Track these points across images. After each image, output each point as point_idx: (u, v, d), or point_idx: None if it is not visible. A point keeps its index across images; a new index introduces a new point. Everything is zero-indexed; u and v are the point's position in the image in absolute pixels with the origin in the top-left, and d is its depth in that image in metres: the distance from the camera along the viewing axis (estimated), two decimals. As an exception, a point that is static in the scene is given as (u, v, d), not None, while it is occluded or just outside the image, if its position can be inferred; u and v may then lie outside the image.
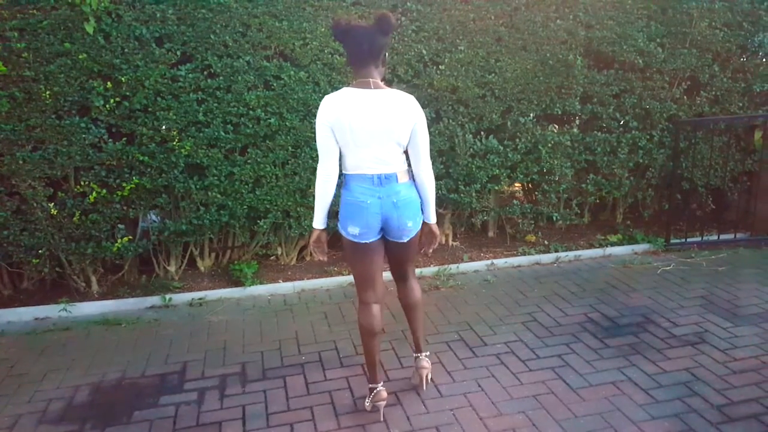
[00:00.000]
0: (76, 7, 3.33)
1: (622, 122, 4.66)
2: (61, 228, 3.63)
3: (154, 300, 3.79)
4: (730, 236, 4.76)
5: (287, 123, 3.86)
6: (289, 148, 3.92)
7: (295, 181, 3.98)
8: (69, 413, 2.63)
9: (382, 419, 2.51)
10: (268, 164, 3.89)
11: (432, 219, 2.51)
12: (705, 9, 4.48)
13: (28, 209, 3.57)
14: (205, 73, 3.70)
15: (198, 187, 3.80)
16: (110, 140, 3.60)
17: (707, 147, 4.79)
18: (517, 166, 4.48)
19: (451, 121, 4.23)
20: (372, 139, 2.27)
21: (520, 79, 4.31)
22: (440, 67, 4.12)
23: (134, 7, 3.51)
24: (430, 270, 4.21)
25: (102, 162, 3.61)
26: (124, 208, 3.72)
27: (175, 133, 3.67)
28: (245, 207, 3.92)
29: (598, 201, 4.96)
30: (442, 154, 4.29)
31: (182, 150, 3.69)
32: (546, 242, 4.70)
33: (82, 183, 3.61)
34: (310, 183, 4.02)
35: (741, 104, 4.77)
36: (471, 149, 4.30)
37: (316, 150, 3.90)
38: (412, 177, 2.43)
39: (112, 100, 3.54)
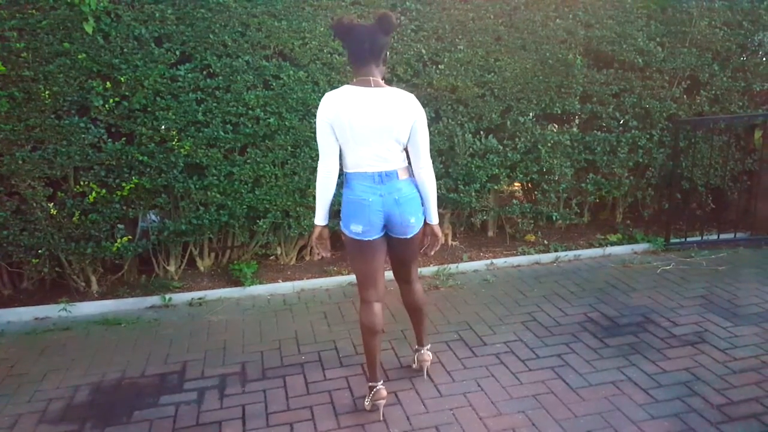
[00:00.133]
0: (75, 6, 3.33)
1: (621, 121, 4.66)
2: (60, 228, 3.63)
3: (154, 300, 3.79)
4: (730, 236, 4.76)
5: (286, 122, 3.85)
6: (289, 147, 3.92)
7: (295, 180, 3.98)
8: (69, 413, 2.63)
9: (381, 418, 2.51)
10: (268, 164, 3.89)
11: (434, 220, 2.51)
12: (705, 8, 4.48)
13: (27, 209, 3.57)
14: (205, 72, 3.70)
15: (197, 186, 3.80)
16: (110, 140, 3.60)
17: (707, 146, 4.78)
18: (517, 165, 4.48)
19: (450, 120, 4.23)
20: (372, 136, 2.28)
21: (520, 79, 4.30)
22: (439, 66, 4.11)
23: (133, 6, 3.51)
24: (429, 270, 4.21)
25: (101, 162, 3.61)
26: (124, 207, 3.72)
27: (174, 132, 3.67)
28: (245, 207, 3.92)
29: (597, 200, 4.96)
30: (441, 154, 4.29)
31: (182, 150, 3.69)
32: (545, 242, 4.70)
33: (82, 183, 3.61)
34: (310, 183, 4.02)
35: (741, 103, 4.77)
36: (470, 149, 4.30)
37: (315, 150, 3.95)
38: (412, 174, 2.44)
39: (111, 100, 3.53)
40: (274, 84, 3.81)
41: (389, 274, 2.79)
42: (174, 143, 3.68)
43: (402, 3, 3.98)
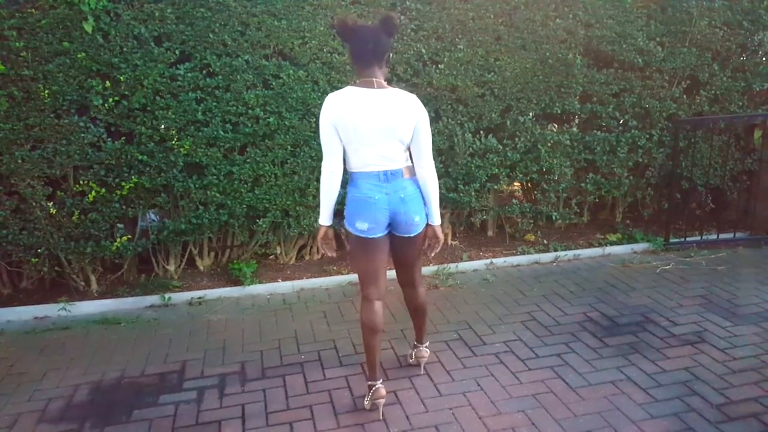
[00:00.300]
0: (75, 5, 3.32)
1: (621, 121, 4.66)
2: (60, 227, 3.62)
3: (154, 299, 3.79)
4: (729, 235, 4.76)
5: (286, 122, 3.85)
6: (288, 147, 3.92)
7: (294, 180, 3.98)
8: (68, 412, 2.63)
9: (381, 417, 2.51)
10: (267, 163, 3.89)
11: (436, 221, 2.52)
12: (705, 8, 4.48)
13: (27, 208, 3.56)
14: (204, 72, 3.70)
15: (197, 186, 3.80)
16: (109, 139, 3.60)
17: (707, 146, 4.79)
18: (517, 165, 4.48)
19: (450, 120, 4.23)
20: (376, 137, 2.30)
21: (520, 78, 4.30)
22: (439, 66, 4.11)
23: (133, 5, 3.50)
24: (429, 269, 4.21)
25: (101, 161, 3.60)
26: (123, 207, 3.71)
27: (174, 132, 3.67)
28: (244, 206, 3.92)
29: (597, 200, 4.96)
30: (441, 154, 4.29)
31: (181, 149, 3.69)
32: (545, 241, 4.71)
33: (81, 182, 3.61)
34: (309, 182, 4.02)
35: (741, 103, 4.77)
36: (470, 148, 4.30)
37: (315, 149, 3.95)
38: (415, 174, 2.46)
39: (110, 99, 3.53)
40: (273, 83, 3.80)
41: (391, 273, 2.79)
42: (173, 142, 3.67)
43: (402, 2, 3.98)
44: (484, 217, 4.68)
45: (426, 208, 2.49)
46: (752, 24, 4.63)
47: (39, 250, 3.63)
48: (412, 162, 2.45)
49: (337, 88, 3.86)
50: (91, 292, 3.87)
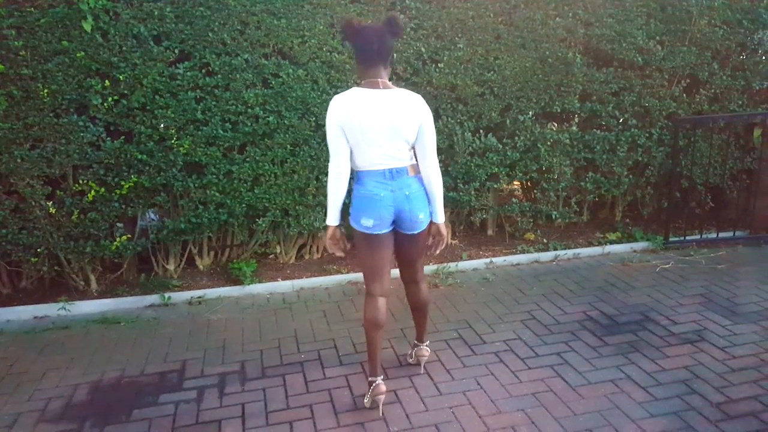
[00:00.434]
0: (74, 4, 3.32)
1: (621, 120, 4.66)
2: (59, 226, 3.62)
3: (153, 298, 3.79)
4: (729, 234, 4.76)
5: (286, 121, 3.85)
6: (288, 146, 3.92)
7: (294, 179, 3.98)
8: (68, 412, 2.63)
9: (380, 413, 2.52)
10: (267, 162, 3.89)
11: (440, 218, 2.56)
12: (704, 7, 4.48)
13: (26, 208, 3.56)
14: (204, 71, 3.69)
15: (197, 185, 3.79)
16: (108, 139, 3.59)
17: (706, 145, 4.78)
18: (516, 164, 4.48)
19: (450, 119, 4.22)
20: (382, 137, 2.33)
21: (519, 77, 4.30)
22: (439, 65, 4.11)
23: (132, 4, 3.50)
24: (429, 268, 4.21)
25: (100, 160, 3.60)
26: (123, 206, 3.71)
27: (173, 131, 3.67)
28: (244, 205, 3.92)
29: (597, 199, 4.96)
30: (440, 153, 4.28)
31: (181, 148, 3.69)
32: (545, 240, 4.71)
33: (81, 181, 3.61)
34: (309, 181, 4.02)
35: (740, 102, 4.77)
36: (470, 147, 4.30)
37: (314, 148, 3.95)
38: (419, 172, 2.50)
39: (110, 99, 3.53)
40: (273, 82, 3.80)
41: (395, 272, 2.82)
42: (173, 142, 3.67)
43: (402, 1, 3.97)
44: (484, 216, 4.68)
45: (430, 206, 2.51)
46: (752, 23, 4.63)
47: (38, 250, 3.63)
48: (416, 160, 2.48)
49: (336, 87, 3.92)
50: (91, 291, 3.87)
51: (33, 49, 3.36)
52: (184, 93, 3.64)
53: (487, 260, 4.37)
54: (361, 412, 2.55)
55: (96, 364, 3.03)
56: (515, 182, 5.08)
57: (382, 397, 2.51)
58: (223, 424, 2.50)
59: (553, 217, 4.73)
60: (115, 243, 3.71)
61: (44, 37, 3.36)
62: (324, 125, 3.90)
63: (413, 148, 2.46)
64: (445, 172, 4.33)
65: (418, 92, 2.52)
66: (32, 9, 3.32)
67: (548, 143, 4.45)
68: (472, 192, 4.37)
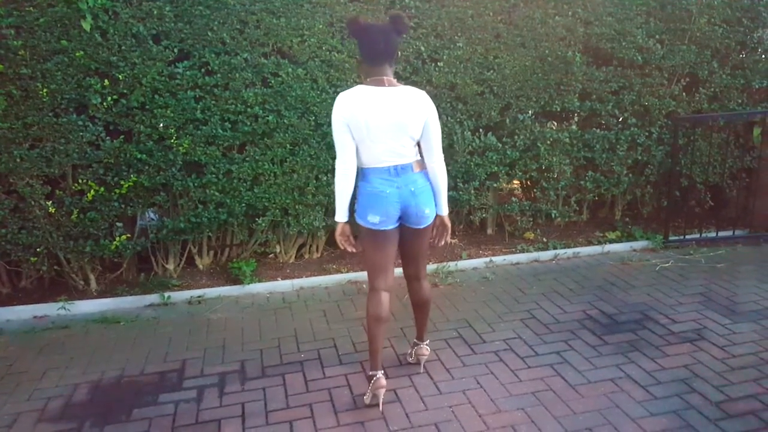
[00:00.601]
0: (73, 4, 3.31)
1: (620, 119, 4.66)
2: (59, 226, 3.62)
3: (153, 298, 3.79)
4: (728, 233, 4.76)
5: (285, 120, 3.85)
6: (288, 145, 3.91)
7: (294, 178, 3.97)
8: (68, 411, 2.63)
9: (380, 408, 2.53)
10: (267, 162, 3.89)
11: (445, 211, 2.60)
12: (704, 5, 4.47)
13: (25, 207, 3.56)
14: (203, 70, 3.69)
15: (196, 184, 3.79)
16: (108, 138, 3.59)
17: (706, 144, 4.78)
18: (516, 163, 4.48)
19: (449, 118, 4.22)
20: (387, 134, 2.36)
21: (519, 76, 4.30)
22: (439, 63, 4.11)
23: (131, 4, 3.49)
24: (429, 267, 4.20)
25: (100, 160, 3.60)
26: (122, 206, 3.71)
27: (172, 130, 3.67)
28: (243, 205, 3.92)
29: (596, 198, 4.96)
30: (440, 152, 4.28)
31: (180, 148, 3.68)
32: (544, 239, 4.71)
33: (80, 181, 3.60)
34: (309, 181, 4.01)
35: (740, 101, 4.77)
36: (469, 146, 4.30)
37: (314, 147, 3.95)
38: (425, 167, 2.53)
39: (109, 98, 3.52)
40: (272, 81, 3.80)
41: (398, 271, 2.84)
42: (172, 141, 3.67)
43: (401, 0, 3.97)
44: (484, 215, 4.68)
45: (435, 199, 2.55)
46: (751, 21, 4.63)
47: (38, 249, 3.62)
48: (421, 156, 2.51)
49: (336, 86, 3.91)
50: (91, 291, 3.87)
51: (32, 48, 3.36)
52: (184, 92, 3.64)
53: (487, 259, 4.37)
54: (361, 412, 2.55)
55: (96, 364, 3.03)
56: (515, 181, 5.08)
57: (382, 391, 2.53)
58: (223, 424, 2.50)
59: (553, 216, 4.73)
60: (114, 242, 3.71)
61: (43, 36, 3.36)
62: (323, 124, 3.96)
63: (418, 144, 2.49)
64: (444, 171, 4.33)
65: (418, 91, 2.53)
66: (31, 8, 3.31)
67: (548, 142, 4.45)
68: (472, 191, 4.37)
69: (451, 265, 4.26)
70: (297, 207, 4.04)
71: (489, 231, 4.92)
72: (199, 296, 3.84)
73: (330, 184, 4.05)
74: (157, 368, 2.98)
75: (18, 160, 3.45)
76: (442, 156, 2.52)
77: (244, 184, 3.89)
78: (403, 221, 2.53)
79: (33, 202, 3.54)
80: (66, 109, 3.50)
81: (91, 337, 3.35)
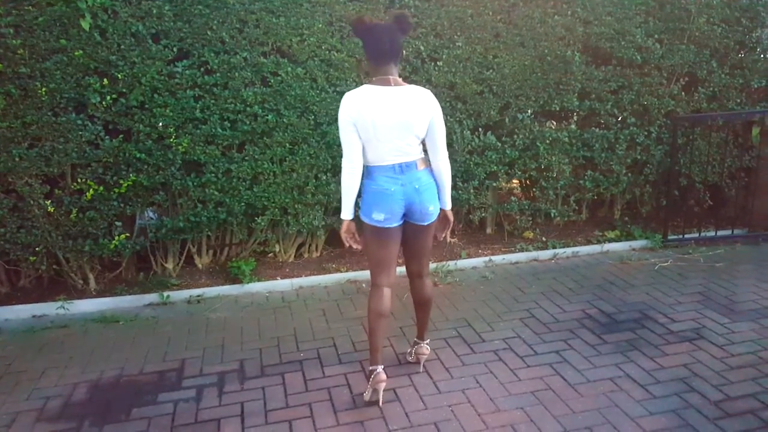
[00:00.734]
0: (72, 3, 3.30)
1: (619, 118, 4.66)
2: (58, 225, 3.62)
3: (152, 297, 3.79)
4: (727, 232, 4.77)
5: (285, 120, 3.85)
6: (287, 144, 3.91)
7: (293, 178, 3.97)
8: (67, 411, 2.63)
9: (380, 404, 2.53)
10: (266, 161, 3.89)
11: (448, 205, 2.65)
12: (703, 5, 4.48)
13: (24, 207, 3.56)
14: (202, 69, 3.69)
15: (195, 184, 3.79)
16: (107, 137, 3.59)
17: (705, 143, 4.79)
18: (515, 162, 4.48)
19: (449, 117, 4.22)
20: (393, 133, 2.39)
21: (518, 76, 4.30)
22: (438, 63, 4.11)
23: (130, 3, 3.49)
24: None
25: (99, 159, 3.59)
26: (122, 205, 3.71)
27: (172, 130, 3.66)
28: (243, 204, 3.92)
29: (595, 197, 4.97)
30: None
31: (179, 147, 3.68)
32: (544, 239, 4.71)
33: (79, 180, 3.60)
34: (308, 180, 4.01)
35: (739, 100, 4.77)
36: (469, 146, 4.30)
37: (313, 147, 3.95)
38: (429, 164, 2.56)
39: (108, 97, 3.52)
40: (272, 81, 3.80)
41: (401, 269, 2.87)
42: (172, 140, 3.67)
43: (401, 0, 3.97)
44: (483, 214, 4.68)
45: (439, 195, 2.59)
46: (750, 21, 4.63)
47: (37, 249, 3.62)
48: (425, 154, 2.54)
49: (335, 86, 3.91)
50: (90, 290, 3.87)
51: (31, 47, 3.35)
52: (183, 91, 3.63)
53: (486, 259, 4.38)
54: (361, 411, 2.55)
55: (95, 363, 3.03)
56: (514, 180, 5.08)
57: (382, 385, 2.54)
58: (222, 423, 2.50)
59: (552, 215, 4.73)
60: (113, 242, 3.70)
61: (42, 35, 3.36)
62: (323, 123, 3.96)
63: (422, 142, 2.52)
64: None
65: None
66: (30, 7, 3.31)
67: (547, 141, 4.45)
68: (471, 190, 4.37)
69: (451, 264, 4.26)
70: (296, 206, 4.04)
71: (488, 230, 4.92)
72: (198, 295, 3.84)
73: (329, 183, 4.05)
74: (156, 367, 2.97)
75: (17, 159, 3.45)
76: (446, 154, 2.56)
77: (244, 184, 3.88)
78: (407, 218, 2.56)
79: (32, 202, 3.54)
80: (65, 108, 3.50)
81: (90, 337, 3.34)
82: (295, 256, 4.40)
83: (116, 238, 3.71)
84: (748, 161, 4.90)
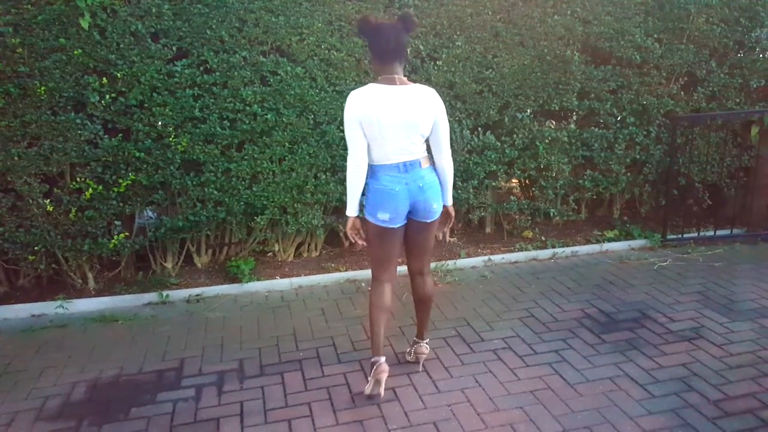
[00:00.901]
0: (71, 2, 3.31)
1: (619, 118, 4.66)
2: (57, 224, 3.61)
3: (151, 296, 3.78)
4: (726, 232, 4.77)
5: (284, 119, 3.84)
6: (286, 144, 3.91)
7: (292, 177, 3.97)
8: (66, 410, 2.62)
9: (382, 394, 2.54)
10: (265, 160, 3.88)
11: (449, 201, 2.71)
12: (702, 5, 4.48)
13: (23, 206, 3.55)
14: (201, 68, 3.68)
15: (194, 183, 3.79)
16: (106, 136, 3.58)
17: (704, 143, 4.79)
18: (515, 162, 4.49)
19: (448, 117, 4.18)
20: (399, 132, 2.41)
21: (518, 75, 4.30)
22: (437, 62, 4.11)
23: (130, 2, 3.49)
24: (427, 266, 4.21)
25: (98, 158, 3.59)
26: (121, 204, 3.70)
27: (171, 129, 3.66)
28: (242, 203, 3.91)
29: (595, 197, 4.97)
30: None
31: (178, 146, 3.68)
32: (543, 238, 4.71)
33: (78, 179, 3.60)
34: (307, 179, 4.01)
35: (738, 100, 4.77)
36: (468, 145, 4.30)
37: (313, 146, 3.95)
38: (432, 163, 2.59)
39: (107, 96, 3.52)
40: (271, 80, 3.79)
41: (402, 269, 2.88)
42: (171, 139, 3.66)
43: (400, -1, 3.97)
44: (482, 213, 4.68)
45: (442, 192, 2.62)
46: (749, 21, 4.63)
47: (36, 248, 3.62)
48: (428, 152, 2.57)
49: (334, 85, 3.91)
50: (89, 289, 3.86)
51: (30, 46, 3.35)
52: (182, 90, 3.63)
53: (486, 258, 4.38)
54: (360, 410, 2.55)
55: (94, 363, 3.03)
56: (513, 180, 5.08)
57: (385, 375, 2.56)
58: (222, 423, 2.50)
59: (552, 214, 4.73)
60: (112, 241, 3.70)
61: (41, 34, 3.35)
62: (322, 123, 3.96)
63: (427, 141, 2.55)
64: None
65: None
66: (29, 6, 3.30)
67: (546, 141, 4.46)
68: (471, 190, 4.37)
69: (450, 263, 4.26)
70: (295, 205, 4.04)
71: (488, 230, 4.92)
72: (197, 295, 3.84)
73: (328, 182, 4.05)
74: (155, 367, 2.97)
75: (16, 158, 3.45)
76: (450, 152, 2.60)
77: (243, 183, 3.88)
78: (411, 215, 2.58)
79: (31, 201, 3.53)
80: (64, 107, 3.49)
81: (89, 336, 3.34)
82: (294, 256, 4.40)
83: (115, 237, 3.71)
84: (747, 161, 4.91)
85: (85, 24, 3.35)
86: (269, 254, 4.36)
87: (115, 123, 3.60)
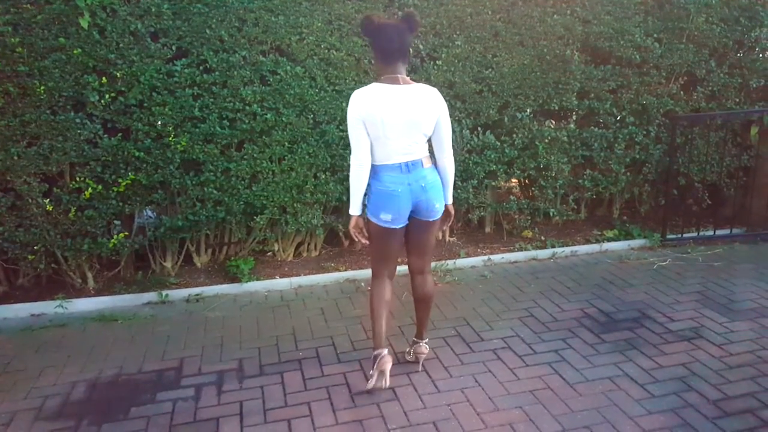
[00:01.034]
0: (71, 1, 3.30)
1: (618, 118, 4.66)
2: (56, 224, 3.61)
3: (151, 296, 3.78)
4: (726, 232, 4.78)
5: (284, 118, 3.84)
6: (286, 143, 3.91)
7: (292, 176, 3.97)
8: (66, 409, 2.62)
9: (387, 385, 2.56)
10: (265, 160, 3.88)
11: (450, 200, 2.74)
12: (702, 4, 4.48)
13: (23, 205, 3.55)
14: (201, 68, 3.68)
15: (194, 182, 3.79)
16: (105, 136, 3.58)
17: (704, 142, 4.79)
18: (514, 161, 4.49)
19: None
20: (402, 131, 2.43)
21: (517, 75, 4.30)
22: (437, 62, 4.11)
23: (129, 1, 3.48)
24: (427, 266, 4.21)
25: (97, 158, 3.59)
26: (120, 204, 3.70)
27: (170, 128, 3.66)
28: (242, 203, 3.91)
29: (594, 196, 4.97)
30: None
31: (178, 146, 3.68)
32: (543, 238, 4.71)
33: (78, 179, 3.59)
34: (307, 179, 4.01)
35: (737, 100, 4.78)
36: (468, 145, 4.30)
37: (312, 146, 3.95)
38: (434, 162, 2.61)
39: (107, 96, 3.51)
40: (271, 79, 3.79)
41: (402, 269, 2.91)
42: (170, 139, 3.66)
43: (399, -2, 3.97)
44: (482, 213, 4.68)
45: (443, 191, 2.64)
46: (749, 20, 4.63)
47: (35, 247, 3.61)
48: (430, 152, 2.59)
49: (334, 84, 3.91)
50: (88, 289, 3.86)
51: (29, 45, 3.34)
52: (182, 90, 3.63)
53: (485, 258, 4.38)
54: (360, 410, 2.55)
55: (93, 362, 3.03)
56: (513, 180, 5.08)
57: (389, 366, 2.57)
58: (221, 422, 2.50)
59: (551, 214, 4.73)
60: (112, 240, 3.70)
61: (41, 33, 3.35)
62: (322, 122, 3.95)
63: (429, 140, 2.56)
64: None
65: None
66: (29, 5, 3.30)
67: (546, 141, 4.46)
68: (470, 189, 4.37)
69: (450, 263, 4.26)
70: (295, 205, 4.04)
71: (487, 229, 4.92)
72: (197, 294, 3.84)
73: (328, 182, 4.05)
74: (154, 366, 2.97)
75: (15, 157, 3.44)
76: (452, 151, 2.62)
77: (243, 182, 3.88)
78: (413, 215, 2.60)
79: (30, 200, 3.53)
80: (64, 106, 3.49)
81: (88, 336, 3.34)
82: (293, 255, 4.40)
83: (115, 236, 3.71)
84: (747, 160, 4.91)
85: (84, 23, 3.34)
86: (269, 254, 4.36)
87: (114, 122, 3.60)
